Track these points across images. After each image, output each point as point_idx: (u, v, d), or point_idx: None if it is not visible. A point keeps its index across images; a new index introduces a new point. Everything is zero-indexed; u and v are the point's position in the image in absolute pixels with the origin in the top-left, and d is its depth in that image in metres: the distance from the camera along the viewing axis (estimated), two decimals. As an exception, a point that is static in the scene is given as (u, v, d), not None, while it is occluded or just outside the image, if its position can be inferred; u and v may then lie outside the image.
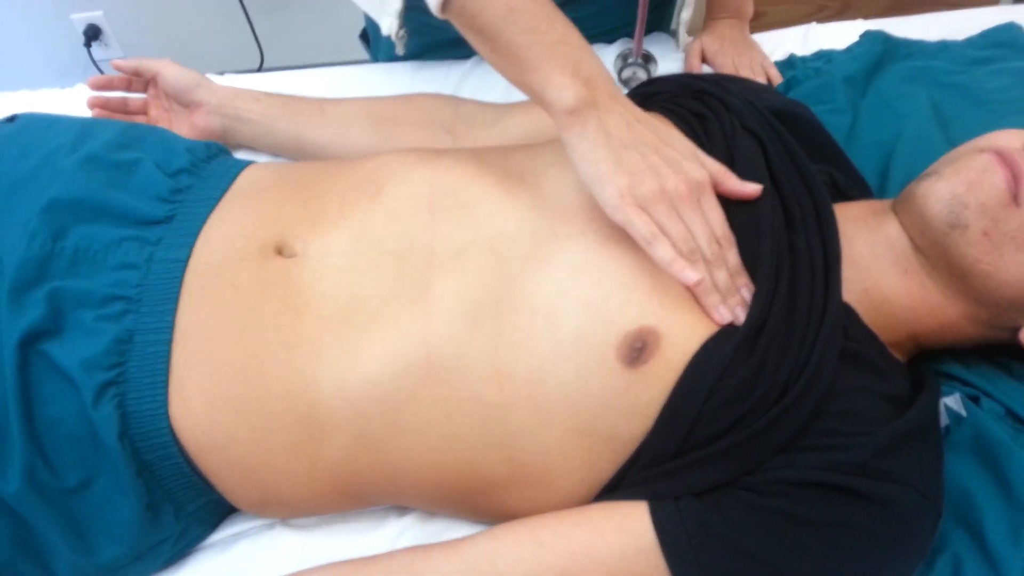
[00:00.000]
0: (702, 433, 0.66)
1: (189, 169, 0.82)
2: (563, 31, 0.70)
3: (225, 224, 0.78)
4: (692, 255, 0.67)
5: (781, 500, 0.64)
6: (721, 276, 0.69)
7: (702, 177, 0.70)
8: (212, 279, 0.74)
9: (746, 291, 0.70)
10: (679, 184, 0.68)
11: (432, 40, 1.19)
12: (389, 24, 1.04)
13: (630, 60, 1.13)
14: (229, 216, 0.78)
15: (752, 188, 0.73)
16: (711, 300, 0.68)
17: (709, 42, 1.20)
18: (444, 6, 0.72)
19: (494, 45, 0.71)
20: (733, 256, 0.70)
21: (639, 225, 0.67)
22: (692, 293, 0.69)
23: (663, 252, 0.66)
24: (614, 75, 1.11)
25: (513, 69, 0.71)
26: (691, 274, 0.66)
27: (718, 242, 0.69)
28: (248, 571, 0.78)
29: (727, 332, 0.67)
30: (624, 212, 0.67)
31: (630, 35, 1.27)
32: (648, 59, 1.14)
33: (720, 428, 0.65)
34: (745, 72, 1.14)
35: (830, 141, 0.90)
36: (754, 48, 1.20)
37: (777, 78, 1.15)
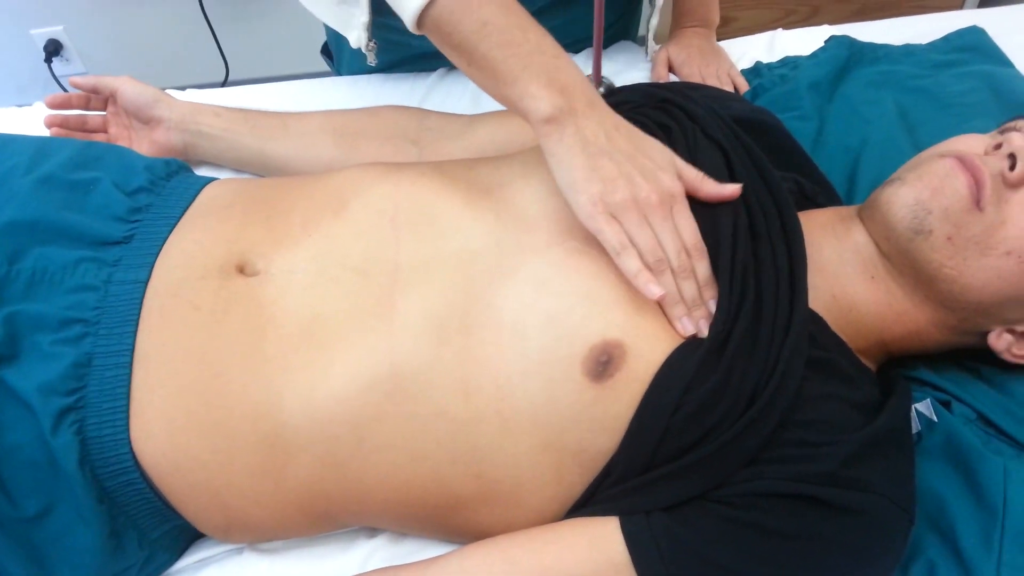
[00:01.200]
0: (671, 446, 0.65)
1: (148, 188, 0.81)
2: (537, 42, 0.70)
3: (185, 243, 0.76)
4: (659, 265, 0.67)
5: (751, 512, 0.64)
6: (688, 287, 0.69)
7: (675, 188, 0.69)
8: (172, 299, 0.72)
9: (713, 303, 0.69)
10: (651, 194, 0.67)
11: (398, 57, 1.18)
12: (357, 37, 1.03)
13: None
14: (189, 235, 0.77)
15: (731, 188, 0.72)
16: (675, 312, 0.68)
17: (676, 52, 1.19)
18: (419, 23, 0.72)
19: (470, 59, 0.72)
20: (703, 268, 0.70)
21: (609, 234, 0.67)
22: (658, 303, 0.68)
23: (630, 263, 0.66)
24: None
25: (491, 82, 0.72)
26: (654, 288, 0.66)
27: (688, 253, 0.69)
28: (216, 597, 0.76)
29: (692, 344, 0.67)
30: (595, 220, 0.67)
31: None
32: (611, 92, 1.03)
33: (688, 441, 0.65)
34: (712, 81, 1.14)
35: (797, 148, 0.90)
36: (721, 57, 1.19)
37: (744, 86, 1.15)
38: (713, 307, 0.69)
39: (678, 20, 1.24)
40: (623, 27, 1.30)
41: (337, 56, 1.29)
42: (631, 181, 0.68)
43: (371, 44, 1.06)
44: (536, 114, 0.69)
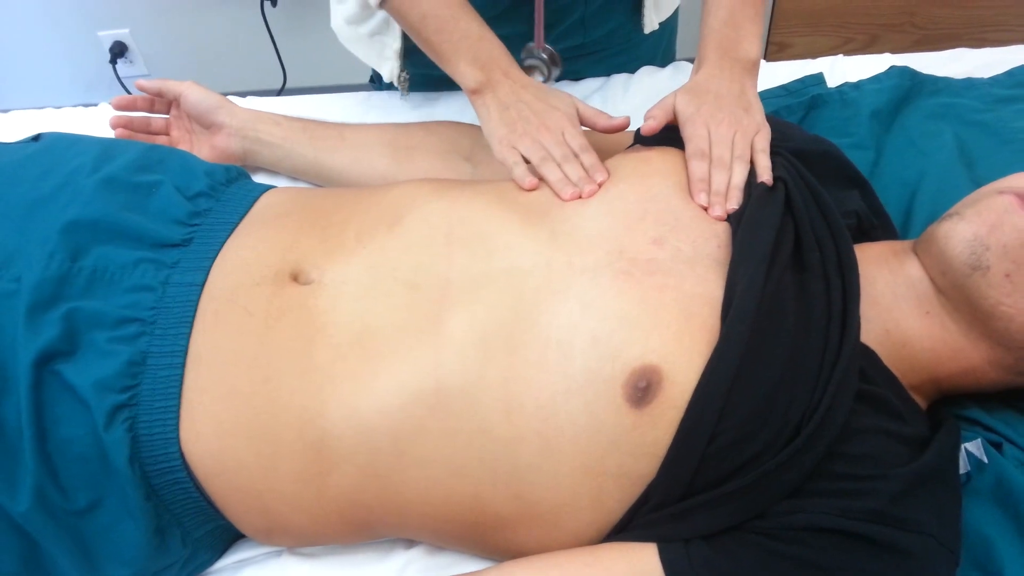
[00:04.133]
0: (710, 474, 0.65)
1: (208, 193, 0.83)
2: (466, 28, 0.88)
3: (242, 249, 0.78)
4: (543, 161, 0.81)
5: (795, 546, 0.63)
6: (572, 170, 0.80)
7: (565, 119, 0.85)
8: (226, 304, 0.74)
9: (600, 175, 0.80)
10: (542, 125, 0.84)
11: (432, 73, 1.19)
12: (390, 69, 1.10)
13: (534, 53, 1.06)
14: (246, 241, 0.78)
15: (620, 120, 0.87)
16: (565, 191, 0.78)
17: (685, 101, 0.83)
18: (380, 5, 0.92)
19: (418, 40, 0.92)
20: (588, 158, 0.82)
21: (508, 157, 0.83)
22: (551, 188, 0.79)
23: (518, 170, 0.82)
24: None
25: (434, 58, 0.91)
26: (529, 179, 0.80)
27: (574, 153, 0.82)
28: (253, 599, 0.77)
29: (720, 367, 0.65)
30: (501, 153, 0.84)
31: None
32: (553, 59, 1.06)
33: (728, 469, 0.65)
34: (722, 150, 0.80)
35: (856, 173, 0.88)
36: (747, 111, 0.83)
37: (766, 169, 0.79)
38: (601, 177, 0.79)
39: (700, 47, 0.89)
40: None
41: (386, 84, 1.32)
42: (528, 121, 0.85)
43: (403, 76, 1.10)
44: (466, 87, 0.88)
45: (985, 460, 0.75)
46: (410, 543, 0.80)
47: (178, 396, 0.71)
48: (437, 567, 0.78)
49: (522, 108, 0.85)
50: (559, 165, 0.81)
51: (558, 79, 1.10)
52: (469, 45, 0.87)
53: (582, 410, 0.66)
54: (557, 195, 0.79)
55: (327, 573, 0.78)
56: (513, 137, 0.84)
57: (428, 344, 0.70)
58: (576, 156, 0.82)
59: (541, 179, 0.81)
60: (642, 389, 0.65)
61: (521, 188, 0.80)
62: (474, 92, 0.87)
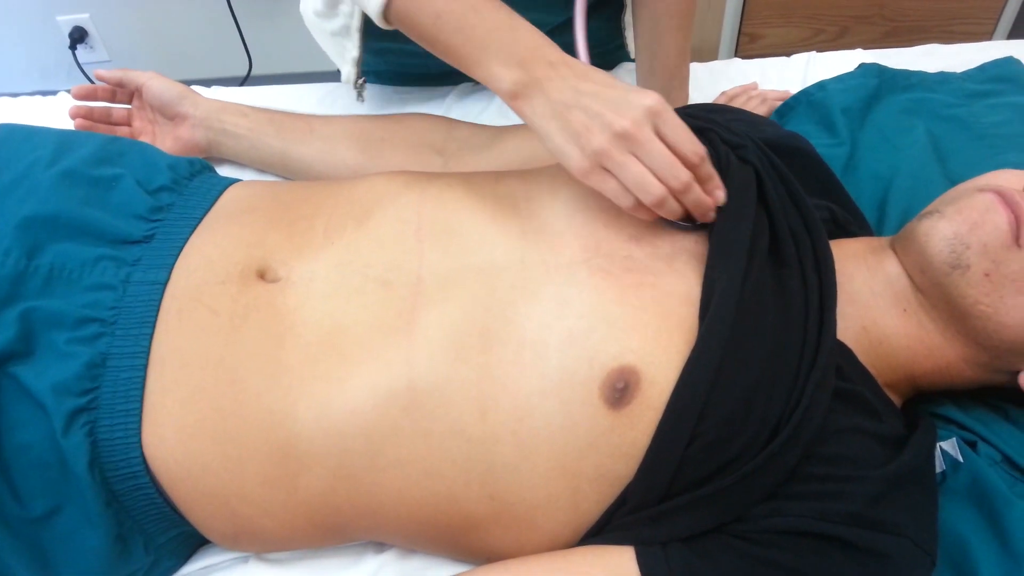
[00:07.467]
0: (688, 477, 0.64)
1: (171, 187, 0.80)
2: (492, 20, 0.72)
3: (206, 246, 0.75)
4: (656, 201, 0.67)
5: (773, 550, 0.62)
6: (691, 198, 0.68)
7: (648, 102, 0.67)
8: (190, 303, 0.71)
9: (720, 193, 0.70)
10: (624, 120, 0.66)
11: (402, 71, 1.16)
12: (347, 73, 1.05)
13: None
14: (210, 237, 0.76)
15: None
16: (654, 199, 0.67)
17: None
18: (386, 20, 0.78)
19: (435, 48, 0.76)
20: (705, 168, 0.69)
21: (607, 190, 0.68)
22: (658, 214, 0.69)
23: (624, 202, 0.68)
24: None
25: (460, 66, 0.74)
26: (626, 199, 0.67)
27: (686, 161, 0.67)
28: (220, 605, 0.75)
29: (699, 367, 0.64)
30: (590, 180, 0.68)
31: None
32: None
33: (707, 471, 0.64)
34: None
35: (830, 175, 0.88)
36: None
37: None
38: (721, 196, 0.70)
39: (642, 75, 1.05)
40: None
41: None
42: (603, 120, 0.66)
43: (360, 82, 1.06)
44: (503, 93, 0.71)
45: (960, 459, 0.75)
46: (381, 547, 0.78)
47: (140, 399, 0.68)
48: (409, 571, 0.76)
49: (587, 103, 0.67)
50: (677, 193, 0.68)
51: None
52: (500, 38, 0.71)
53: (558, 410, 0.65)
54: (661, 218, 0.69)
55: (296, 579, 0.76)
56: (593, 151, 0.67)
57: (400, 343, 0.68)
58: (685, 168, 0.67)
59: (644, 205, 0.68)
60: (620, 390, 0.64)
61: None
62: (516, 96, 0.70)
